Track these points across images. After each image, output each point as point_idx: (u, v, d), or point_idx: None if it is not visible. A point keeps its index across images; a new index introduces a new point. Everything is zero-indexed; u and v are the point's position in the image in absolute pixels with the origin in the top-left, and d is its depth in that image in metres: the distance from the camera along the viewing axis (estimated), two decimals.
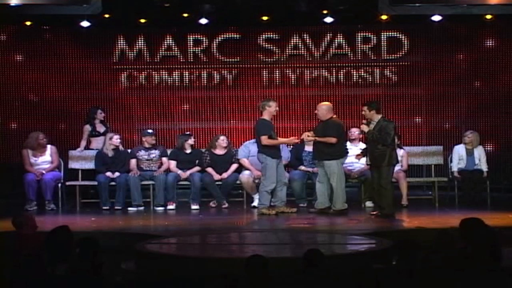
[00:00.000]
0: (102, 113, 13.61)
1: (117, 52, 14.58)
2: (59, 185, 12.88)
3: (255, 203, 12.61)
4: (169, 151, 13.20)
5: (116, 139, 12.96)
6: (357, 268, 7.07)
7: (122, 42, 14.57)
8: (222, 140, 12.99)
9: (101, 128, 13.46)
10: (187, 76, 14.70)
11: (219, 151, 12.99)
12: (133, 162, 12.93)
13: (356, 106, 14.58)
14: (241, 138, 14.00)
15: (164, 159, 13.04)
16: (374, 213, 11.56)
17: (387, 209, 11.27)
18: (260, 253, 6.44)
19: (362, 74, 14.66)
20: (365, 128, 11.42)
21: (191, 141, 13.08)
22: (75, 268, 6.07)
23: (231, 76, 14.72)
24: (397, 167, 12.41)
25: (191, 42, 14.62)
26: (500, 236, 6.44)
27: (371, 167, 11.59)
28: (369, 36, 14.58)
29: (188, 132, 13.44)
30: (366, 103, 11.64)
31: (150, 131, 13.18)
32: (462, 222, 6.42)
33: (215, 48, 14.63)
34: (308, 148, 12.75)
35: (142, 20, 14.32)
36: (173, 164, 12.99)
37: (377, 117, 11.38)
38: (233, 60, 14.68)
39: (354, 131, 13.08)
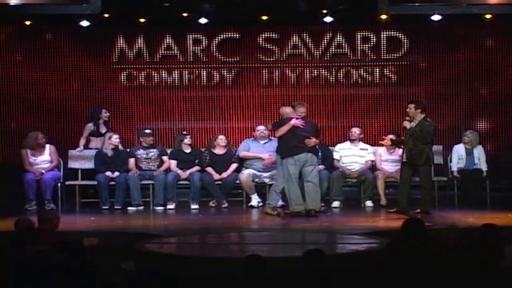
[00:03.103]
0: (107, 113, 13.57)
1: (116, 52, 14.56)
2: (59, 184, 12.84)
3: (253, 203, 12.62)
4: (169, 151, 13.19)
5: (115, 139, 12.95)
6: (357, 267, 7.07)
7: (121, 42, 14.56)
8: (221, 140, 13.00)
9: (103, 129, 13.43)
10: (186, 76, 14.68)
11: (219, 151, 12.99)
12: (131, 161, 12.92)
13: (355, 105, 14.59)
14: (241, 137, 13.97)
15: (164, 158, 13.03)
16: (393, 210, 11.65)
17: (425, 207, 11.45)
18: (259, 253, 6.43)
19: (362, 73, 14.65)
20: (407, 124, 11.49)
21: (187, 140, 13.06)
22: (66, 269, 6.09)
23: (230, 75, 14.71)
24: (398, 166, 12.43)
25: (191, 42, 14.60)
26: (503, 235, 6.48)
27: (404, 164, 11.61)
28: (369, 35, 14.57)
29: (185, 132, 13.38)
30: (414, 101, 11.77)
31: (147, 131, 13.15)
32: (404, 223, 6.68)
33: (214, 47, 14.61)
34: None
35: (142, 20, 14.30)
36: (173, 163, 12.98)
37: (420, 116, 11.48)
38: (232, 59, 14.66)
39: (355, 131, 13.06)
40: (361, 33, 14.59)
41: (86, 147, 13.43)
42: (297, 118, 11.58)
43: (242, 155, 12.89)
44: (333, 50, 14.61)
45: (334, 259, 7.92)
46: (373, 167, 13.06)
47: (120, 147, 13.15)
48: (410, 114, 11.55)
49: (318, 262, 6.06)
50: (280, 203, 12.12)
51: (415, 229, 6.56)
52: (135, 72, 14.63)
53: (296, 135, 11.48)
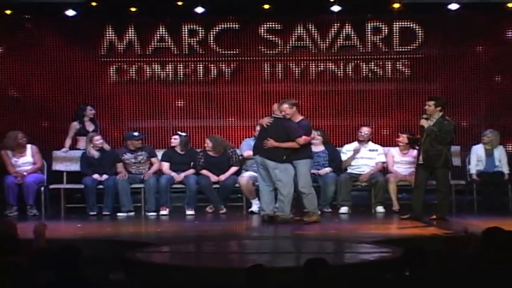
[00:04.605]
0: (92, 110, 13.58)
1: (105, 44, 14.56)
2: (42, 188, 12.86)
3: (253, 208, 12.63)
4: (162, 152, 13.20)
5: (96, 140, 12.92)
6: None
7: (110, 33, 14.55)
8: (207, 144, 13.01)
9: (90, 127, 13.44)
10: (181, 70, 14.69)
11: (213, 153, 12.98)
12: (119, 165, 12.90)
13: (365, 102, 14.59)
14: (241, 137, 13.99)
15: (153, 159, 13.04)
16: (406, 216, 11.69)
17: (442, 213, 11.52)
18: (260, 262, 6.45)
19: (372, 67, 14.65)
20: (424, 123, 11.53)
21: (175, 141, 13.07)
22: (58, 278, 6.11)
23: (229, 69, 14.72)
24: (411, 169, 12.44)
25: (186, 33, 14.60)
26: None
27: (420, 166, 11.62)
28: (380, 26, 14.57)
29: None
30: (434, 98, 11.81)
31: (136, 134, 13.13)
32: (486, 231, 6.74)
33: (212, 39, 14.62)
34: (316, 148, 12.65)
35: (133, 9, 14.29)
36: (166, 165, 12.99)
37: (438, 114, 11.53)
38: (231, 52, 14.66)
39: (364, 131, 13.04)
40: (372, 24, 14.59)
41: (73, 147, 13.44)
42: (269, 117, 11.71)
43: (247, 154, 12.90)
44: (341, 42, 14.61)
45: (341, 270, 7.91)
46: (384, 169, 13.07)
47: (106, 147, 13.14)
48: (428, 111, 11.55)
49: (321, 273, 6.05)
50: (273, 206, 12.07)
51: (497, 238, 6.60)
52: (125, 66, 14.64)
53: (259, 135, 11.74)
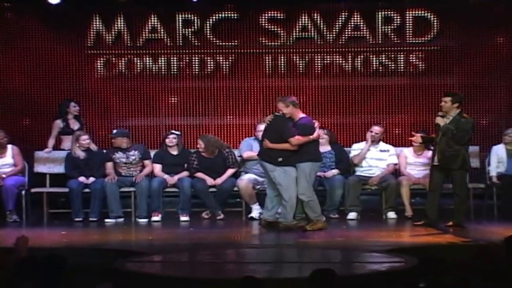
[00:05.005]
0: (76, 106, 13.58)
1: (92, 35, 14.57)
2: (23, 192, 12.86)
3: (253, 214, 12.62)
4: (153, 152, 13.19)
5: (83, 140, 12.91)
6: None
7: (98, 23, 14.56)
8: (199, 145, 13.00)
9: (75, 125, 13.44)
10: (175, 63, 14.69)
11: (207, 154, 12.97)
12: (109, 165, 12.92)
13: (376, 98, 14.58)
14: (240, 136, 14.00)
15: (146, 161, 13.03)
16: (420, 223, 11.68)
17: (459, 219, 11.53)
18: (260, 273, 6.44)
19: (383, 60, 14.65)
20: (440, 121, 11.53)
21: (174, 141, 13.07)
22: None
23: (227, 63, 14.72)
24: (426, 171, 12.43)
25: (180, 23, 14.61)
26: None
27: (435, 168, 11.62)
28: (392, 15, 14.58)
29: (178, 131, 13.34)
30: (451, 94, 11.80)
31: (115, 131, 13.11)
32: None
33: (208, 29, 14.62)
34: (322, 148, 12.58)
35: None
36: (158, 168, 12.98)
37: (455, 112, 11.54)
38: (230, 44, 14.67)
39: (375, 130, 12.99)
40: (383, 13, 14.59)
41: (57, 147, 13.44)
42: (272, 115, 11.75)
43: (246, 155, 12.88)
44: (349, 33, 14.62)
45: (350, 281, 7.91)
46: (396, 171, 13.05)
47: (93, 147, 13.14)
48: (444, 108, 11.57)
49: (328, 284, 6.04)
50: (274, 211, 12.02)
51: None
52: (114, 59, 14.65)
53: (262, 135, 11.81)
